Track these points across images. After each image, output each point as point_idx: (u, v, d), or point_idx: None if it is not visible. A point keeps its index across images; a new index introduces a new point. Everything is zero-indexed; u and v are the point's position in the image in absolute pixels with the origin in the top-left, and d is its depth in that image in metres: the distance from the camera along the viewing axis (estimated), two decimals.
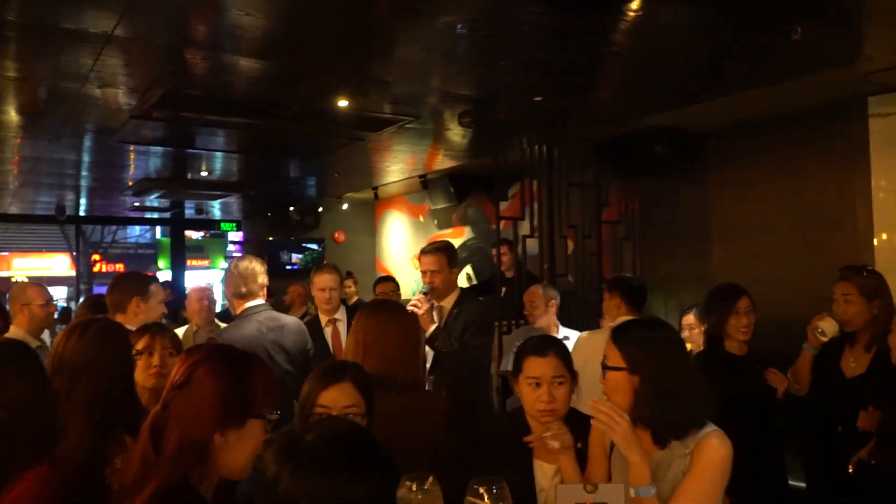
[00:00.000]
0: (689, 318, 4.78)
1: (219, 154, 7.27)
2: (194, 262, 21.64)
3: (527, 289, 5.20)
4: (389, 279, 6.37)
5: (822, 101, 5.47)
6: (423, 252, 4.11)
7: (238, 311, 3.81)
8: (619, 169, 6.79)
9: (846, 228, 5.66)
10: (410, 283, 10.63)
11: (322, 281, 4.41)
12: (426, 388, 3.09)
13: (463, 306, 4.00)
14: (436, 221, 10.40)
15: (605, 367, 2.20)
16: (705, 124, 6.25)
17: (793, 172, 6.05)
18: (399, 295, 6.56)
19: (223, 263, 24.61)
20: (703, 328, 4.41)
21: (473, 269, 9.55)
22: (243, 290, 3.79)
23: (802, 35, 3.87)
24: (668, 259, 6.91)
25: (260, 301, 3.82)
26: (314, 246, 11.65)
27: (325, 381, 2.19)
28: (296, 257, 11.52)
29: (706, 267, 6.60)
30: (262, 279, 3.83)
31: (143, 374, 2.88)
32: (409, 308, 3.74)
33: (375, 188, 9.75)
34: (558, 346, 2.60)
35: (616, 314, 4.03)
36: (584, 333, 4.19)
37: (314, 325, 4.36)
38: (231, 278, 3.80)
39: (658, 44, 4.16)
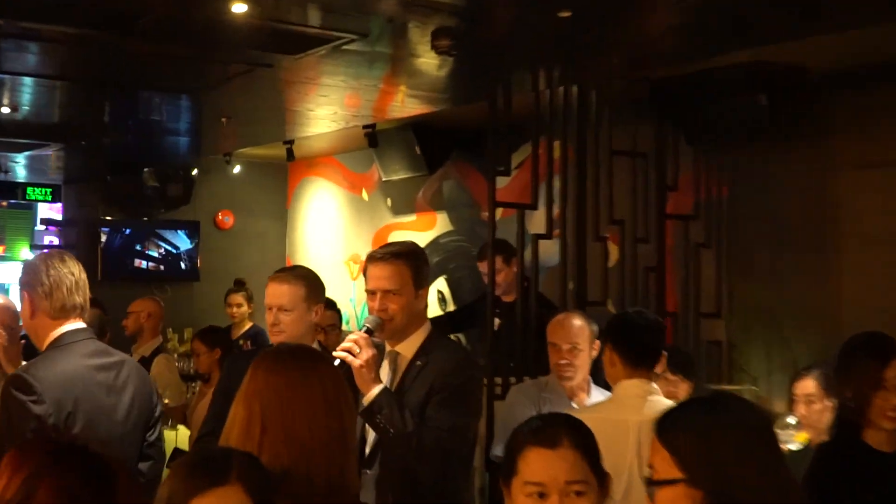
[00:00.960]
0: (808, 386, 4.82)
1: (28, 80, 7.27)
2: None
3: (547, 319, 5.23)
4: (329, 304, 6.32)
5: None
6: (373, 259, 4.08)
7: (47, 339, 3.95)
8: (693, 131, 6.85)
9: None
10: (343, 303, 10.59)
11: (271, 294, 4.45)
12: (358, 496, 3.09)
13: (432, 355, 4.01)
14: (389, 201, 10.38)
15: (651, 483, 2.25)
16: (833, 64, 6.33)
17: None
18: (339, 333, 6.56)
19: (27, 253, 24.39)
20: (830, 403, 4.43)
21: (449, 283, 9.59)
22: (67, 303, 3.93)
23: None
24: (771, 280, 6.98)
25: (80, 325, 3.98)
26: (181, 234, 11.58)
27: (196, 483, 2.20)
28: (152, 253, 11.46)
29: (832, 295, 6.69)
30: (87, 291, 4.02)
31: None
32: (337, 355, 3.77)
33: (289, 142, 9.74)
34: (577, 430, 2.60)
35: (614, 376, 4.11)
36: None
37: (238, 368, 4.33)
38: (44, 283, 3.90)
39: None
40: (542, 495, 2.51)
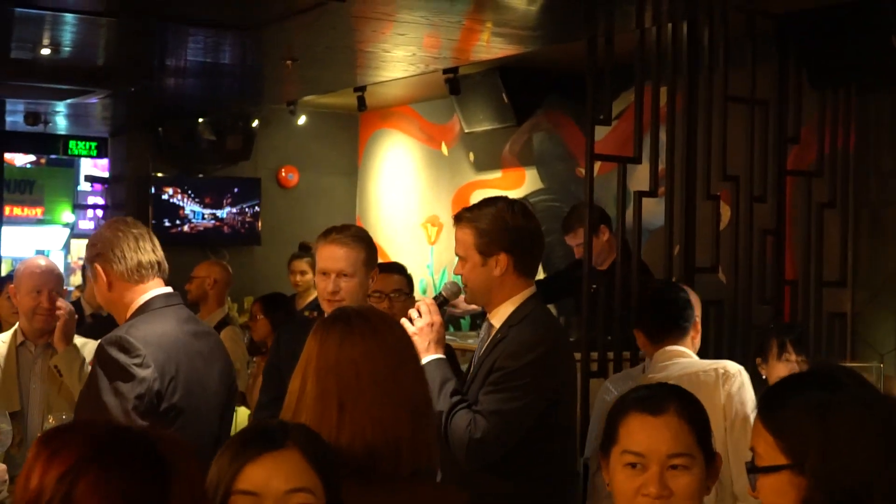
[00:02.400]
0: None
1: (69, 17, 7.29)
2: (17, 211, 21.91)
3: (641, 289, 5.27)
4: (396, 268, 6.37)
5: None
6: (460, 218, 4.12)
7: (132, 307, 4.07)
8: (820, 75, 6.78)
9: None
10: (419, 270, 10.70)
11: (328, 258, 4.53)
12: (437, 477, 3.15)
13: (512, 329, 4.04)
14: (471, 155, 10.41)
15: (753, 470, 2.27)
16: None
17: None
18: (412, 300, 6.61)
19: (69, 216, 24.64)
20: None
21: None
22: (143, 261, 4.07)
23: None
24: None
25: (168, 289, 4.17)
26: (241, 192, 11.71)
27: (249, 452, 2.24)
28: (207, 212, 11.61)
29: None
30: (159, 248, 4.19)
31: None
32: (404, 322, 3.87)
33: (361, 90, 9.76)
34: (686, 400, 2.66)
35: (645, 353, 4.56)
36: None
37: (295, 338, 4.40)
38: (114, 247, 4.05)
39: None
40: (639, 467, 2.56)
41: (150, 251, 4.09)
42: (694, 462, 2.57)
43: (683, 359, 4.40)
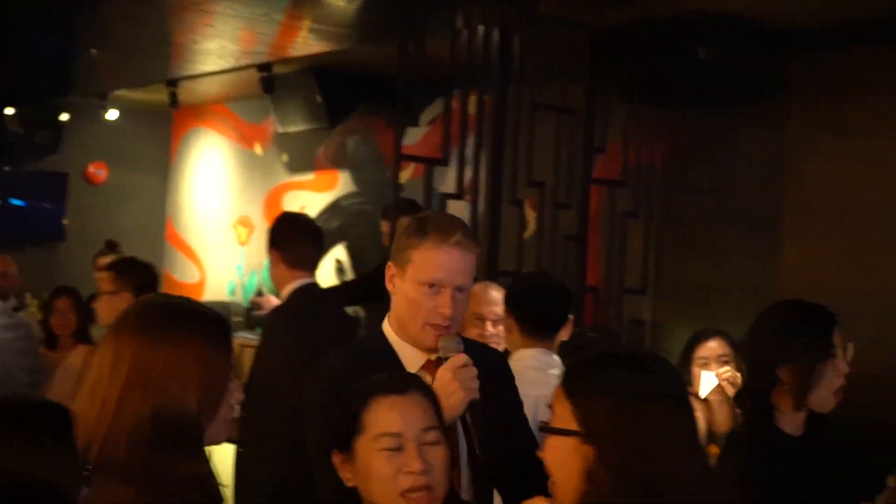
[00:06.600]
0: (719, 346, 4.98)
1: None
2: None
3: None
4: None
5: None
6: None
7: None
8: (629, 86, 6.95)
9: None
10: (229, 272, 10.63)
11: (447, 267, 3.66)
12: None
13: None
14: (285, 157, 10.39)
15: (544, 429, 2.34)
16: (791, 18, 6.42)
17: None
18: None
19: None
20: (730, 375, 4.63)
21: (349, 251, 9.65)
22: None
23: None
24: (709, 256, 7.10)
25: None
26: (48, 187, 11.46)
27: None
28: (12, 205, 11.32)
29: (771, 272, 6.83)
30: None
31: None
32: None
33: (173, 83, 9.71)
34: (420, 379, 2.79)
35: (512, 344, 4.35)
36: None
37: None
38: None
39: None
40: (398, 447, 2.62)
41: None
42: (441, 436, 2.67)
43: (556, 370, 4.30)
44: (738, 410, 4.03)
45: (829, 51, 6.59)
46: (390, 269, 3.30)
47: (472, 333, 4.82)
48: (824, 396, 3.66)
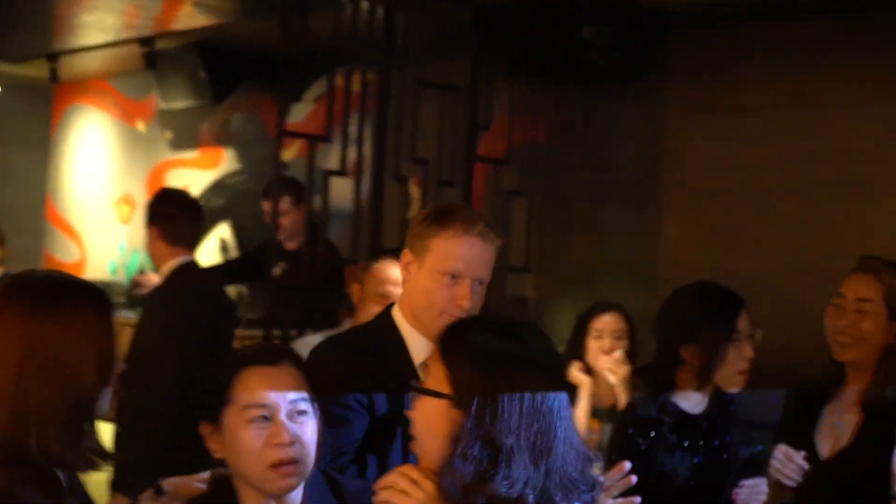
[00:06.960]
0: (617, 320, 5.06)
1: None
2: None
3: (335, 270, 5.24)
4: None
5: None
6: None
7: None
8: (514, 65, 6.98)
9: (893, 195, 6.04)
10: (111, 251, 10.51)
11: (468, 257, 3.52)
12: None
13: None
14: (168, 134, 10.28)
15: (416, 389, 2.36)
16: (667, 2, 6.50)
17: (813, 97, 6.38)
18: None
19: None
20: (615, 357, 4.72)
21: (234, 230, 9.59)
22: None
23: None
24: (589, 233, 7.19)
25: None
26: None
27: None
28: None
29: (652, 249, 6.94)
30: None
31: None
32: None
33: (53, 57, 9.57)
34: (293, 352, 2.80)
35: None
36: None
37: None
38: None
39: None
40: (266, 417, 2.63)
41: None
42: (312, 409, 2.69)
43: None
44: (637, 386, 4.15)
45: (706, 30, 6.69)
46: (406, 257, 3.25)
47: (374, 311, 4.85)
48: (728, 376, 3.80)
